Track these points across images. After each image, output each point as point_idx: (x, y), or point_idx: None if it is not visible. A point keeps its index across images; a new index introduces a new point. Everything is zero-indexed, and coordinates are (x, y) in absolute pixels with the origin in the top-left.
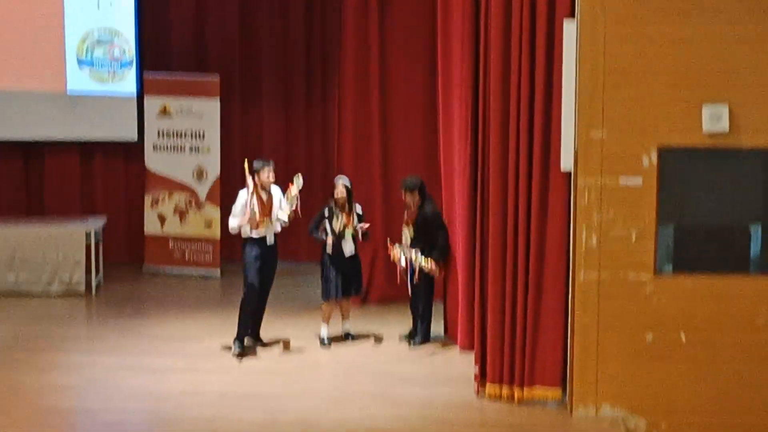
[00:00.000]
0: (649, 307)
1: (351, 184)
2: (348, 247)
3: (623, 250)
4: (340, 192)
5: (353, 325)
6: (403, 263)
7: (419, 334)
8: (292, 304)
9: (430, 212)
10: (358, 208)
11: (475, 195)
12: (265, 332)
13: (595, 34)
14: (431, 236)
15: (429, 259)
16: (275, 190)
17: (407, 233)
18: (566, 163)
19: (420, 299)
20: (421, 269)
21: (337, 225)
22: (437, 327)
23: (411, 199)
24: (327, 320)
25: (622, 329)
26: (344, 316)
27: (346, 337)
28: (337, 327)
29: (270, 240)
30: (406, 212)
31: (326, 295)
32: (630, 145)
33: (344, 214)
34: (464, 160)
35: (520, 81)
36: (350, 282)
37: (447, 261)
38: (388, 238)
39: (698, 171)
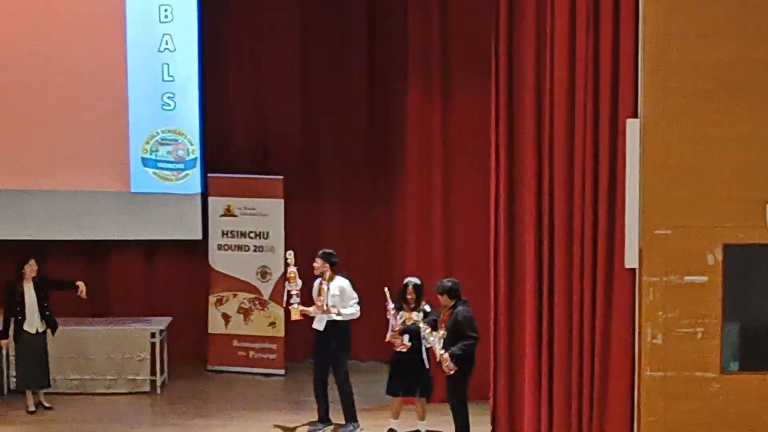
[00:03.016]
0: (715, 406)
1: (421, 283)
2: (407, 344)
3: (689, 348)
4: (409, 292)
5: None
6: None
7: None
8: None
9: (461, 315)
10: (427, 307)
11: (541, 294)
12: None
13: (657, 133)
14: (462, 337)
15: (441, 338)
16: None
17: (439, 332)
18: (631, 260)
19: (450, 396)
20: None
21: (400, 320)
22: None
23: (443, 301)
24: (393, 416)
25: (689, 428)
26: (394, 414)
27: None
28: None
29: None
30: (442, 312)
31: (387, 390)
32: (694, 243)
33: (407, 313)
34: (530, 261)
35: (584, 180)
36: (409, 380)
37: (463, 363)
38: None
39: (764, 268)
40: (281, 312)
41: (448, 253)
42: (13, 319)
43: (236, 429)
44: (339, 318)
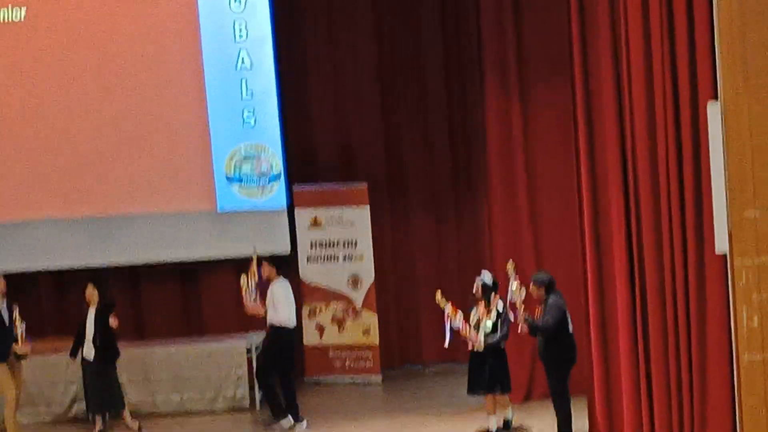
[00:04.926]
0: None
1: (493, 280)
2: (479, 342)
3: None
4: (475, 287)
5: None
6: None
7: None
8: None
9: (551, 301)
10: (500, 305)
11: (633, 286)
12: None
13: (739, 114)
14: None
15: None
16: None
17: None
18: (721, 244)
19: (552, 392)
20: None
21: (473, 319)
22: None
23: (536, 293)
24: (490, 412)
25: None
26: (488, 411)
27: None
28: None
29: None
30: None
31: (468, 390)
32: None
33: (480, 308)
34: (619, 254)
35: (668, 167)
36: (486, 377)
37: (562, 358)
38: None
39: None
40: (375, 319)
41: (537, 254)
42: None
43: None
44: (273, 322)
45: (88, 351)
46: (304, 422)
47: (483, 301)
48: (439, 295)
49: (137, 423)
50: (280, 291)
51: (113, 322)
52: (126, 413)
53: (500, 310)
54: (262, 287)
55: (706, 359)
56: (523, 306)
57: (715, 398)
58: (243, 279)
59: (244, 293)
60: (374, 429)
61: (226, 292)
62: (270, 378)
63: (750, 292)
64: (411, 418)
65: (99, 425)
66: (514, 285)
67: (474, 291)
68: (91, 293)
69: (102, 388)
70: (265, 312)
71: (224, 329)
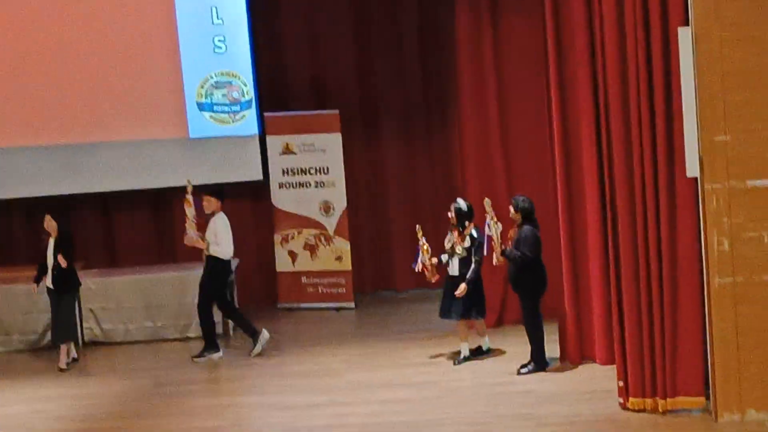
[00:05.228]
0: None
1: (468, 207)
2: (453, 268)
3: (756, 253)
4: (450, 212)
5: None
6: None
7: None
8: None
9: (524, 233)
10: (474, 231)
11: (604, 209)
12: (380, 359)
13: (710, 39)
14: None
15: (499, 233)
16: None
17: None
18: (692, 169)
19: (524, 318)
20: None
21: (447, 244)
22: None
23: (513, 215)
24: (462, 338)
25: (761, 332)
26: (461, 338)
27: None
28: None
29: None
30: (512, 229)
31: (440, 313)
32: (755, 147)
33: (455, 235)
34: (590, 176)
35: (639, 92)
36: (460, 303)
37: (534, 284)
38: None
39: None
40: (347, 246)
41: (508, 177)
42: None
43: (311, 364)
44: (210, 254)
45: (49, 281)
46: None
47: (457, 228)
48: (420, 231)
49: (66, 361)
50: (222, 223)
51: (62, 261)
52: (68, 347)
53: (475, 236)
54: (204, 220)
55: (677, 283)
56: (500, 239)
57: (686, 322)
58: (188, 210)
59: (188, 224)
60: (347, 354)
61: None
62: (209, 308)
63: (720, 216)
64: (384, 344)
65: (63, 357)
66: (492, 220)
67: (450, 216)
68: (49, 224)
69: (59, 318)
70: (207, 245)
71: (197, 257)
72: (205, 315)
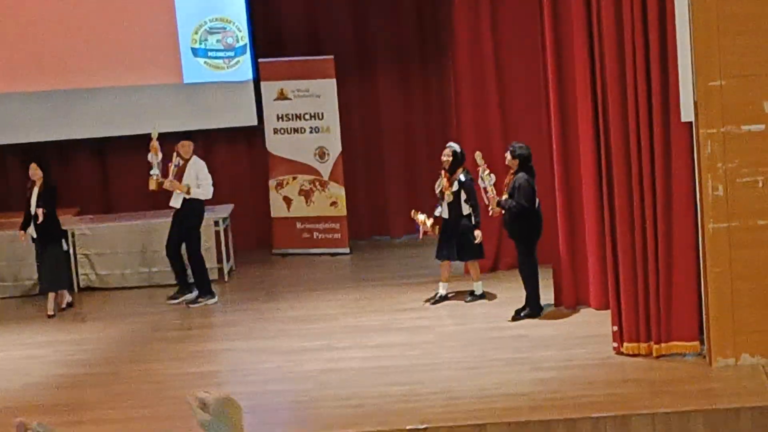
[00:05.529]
0: None
1: (460, 151)
2: (444, 211)
3: (751, 197)
4: (444, 155)
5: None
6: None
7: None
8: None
9: (519, 181)
10: (462, 176)
11: (599, 155)
12: (393, 303)
13: None
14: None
15: (493, 184)
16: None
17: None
18: (686, 114)
19: (520, 264)
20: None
21: (437, 189)
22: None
23: (509, 161)
24: (443, 279)
25: (756, 277)
26: (443, 278)
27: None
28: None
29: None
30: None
31: (436, 255)
32: (750, 92)
33: (444, 180)
34: (585, 122)
35: (634, 36)
36: (453, 246)
37: (529, 230)
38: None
39: None
40: (342, 191)
41: (504, 124)
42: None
43: (306, 309)
44: (192, 197)
45: (32, 230)
46: (216, 297)
47: (447, 173)
48: (416, 214)
49: (53, 308)
50: (202, 165)
51: (39, 214)
52: (56, 295)
53: (463, 180)
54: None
55: (672, 229)
56: (494, 190)
57: (680, 267)
58: (155, 157)
59: (171, 169)
60: (342, 300)
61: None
62: (200, 253)
63: (715, 161)
64: (378, 289)
65: (50, 304)
66: (484, 172)
67: (443, 161)
68: (35, 173)
69: (46, 266)
70: (188, 189)
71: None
72: (197, 261)
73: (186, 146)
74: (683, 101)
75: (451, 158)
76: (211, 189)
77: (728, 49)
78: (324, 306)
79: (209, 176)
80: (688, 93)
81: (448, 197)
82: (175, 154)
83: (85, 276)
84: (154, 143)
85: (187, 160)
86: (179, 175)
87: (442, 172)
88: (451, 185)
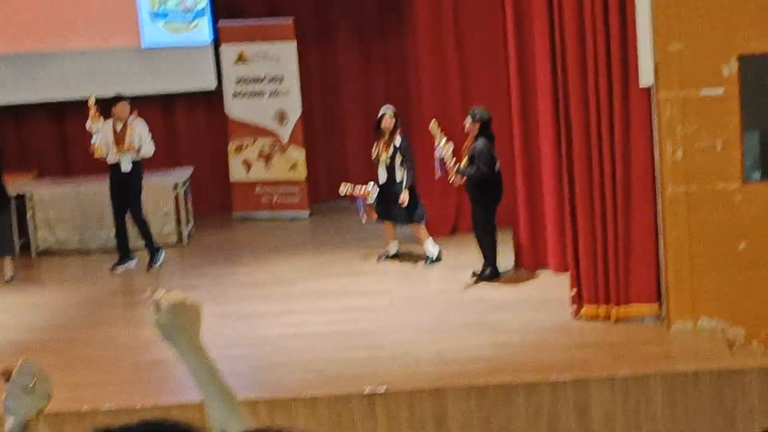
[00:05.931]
0: (739, 216)
1: (394, 113)
2: (381, 176)
3: (709, 161)
4: (385, 122)
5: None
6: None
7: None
8: None
9: (478, 147)
10: (398, 140)
11: (558, 119)
12: (343, 268)
13: None
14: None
15: (451, 152)
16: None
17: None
18: (645, 78)
19: (476, 227)
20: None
21: (373, 154)
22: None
23: (470, 126)
24: (389, 239)
25: (714, 240)
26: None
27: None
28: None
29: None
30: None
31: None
32: (709, 56)
33: (382, 143)
34: (544, 85)
35: (593, 0)
36: (395, 209)
37: (487, 194)
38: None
39: None
40: (303, 154)
41: (463, 87)
42: None
43: (265, 273)
44: (141, 156)
45: None
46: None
47: (383, 138)
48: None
49: (10, 274)
50: (144, 125)
51: None
52: (5, 261)
53: (398, 144)
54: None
55: (630, 192)
56: (453, 158)
57: (639, 230)
58: (94, 123)
59: (127, 138)
60: (301, 264)
61: (152, 128)
62: (123, 215)
63: (674, 125)
64: (338, 253)
65: (8, 270)
66: (441, 141)
67: (383, 125)
68: None
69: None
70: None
71: (150, 166)
72: (145, 223)
73: (120, 107)
74: (642, 66)
75: (393, 119)
76: (153, 147)
77: (687, 13)
78: (283, 270)
79: (150, 134)
80: (647, 57)
81: (384, 160)
82: (112, 117)
83: (43, 240)
84: (93, 110)
85: (125, 121)
86: (121, 138)
87: (379, 137)
88: (388, 148)
